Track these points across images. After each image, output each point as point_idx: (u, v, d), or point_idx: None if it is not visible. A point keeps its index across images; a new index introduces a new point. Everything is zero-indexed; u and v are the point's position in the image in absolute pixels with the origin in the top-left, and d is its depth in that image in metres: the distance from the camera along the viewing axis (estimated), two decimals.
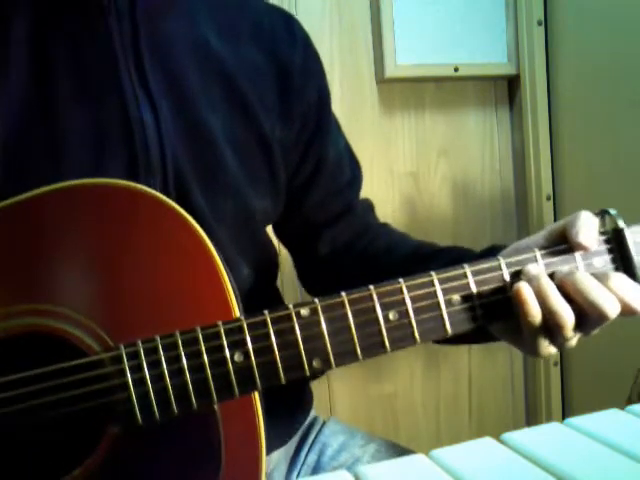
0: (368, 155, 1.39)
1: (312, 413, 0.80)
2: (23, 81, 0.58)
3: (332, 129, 0.78)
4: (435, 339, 0.51)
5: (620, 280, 0.50)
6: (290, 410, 0.75)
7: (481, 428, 1.50)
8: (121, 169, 0.59)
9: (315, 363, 0.49)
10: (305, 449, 0.76)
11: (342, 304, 0.49)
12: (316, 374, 0.75)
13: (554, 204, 1.44)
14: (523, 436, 0.44)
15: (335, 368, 0.50)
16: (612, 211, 0.54)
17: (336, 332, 0.49)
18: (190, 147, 0.63)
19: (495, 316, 0.52)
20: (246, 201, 0.67)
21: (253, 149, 0.68)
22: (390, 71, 1.36)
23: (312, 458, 0.75)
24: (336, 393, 1.40)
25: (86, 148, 0.59)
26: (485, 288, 0.51)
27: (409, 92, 1.43)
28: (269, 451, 0.69)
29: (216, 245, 0.51)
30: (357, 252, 0.78)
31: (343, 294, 0.50)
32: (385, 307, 0.50)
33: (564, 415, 1.48)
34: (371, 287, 0.50)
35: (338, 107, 1.31)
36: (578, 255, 0.53)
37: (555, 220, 1.40)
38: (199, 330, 0.48)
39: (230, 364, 0.48)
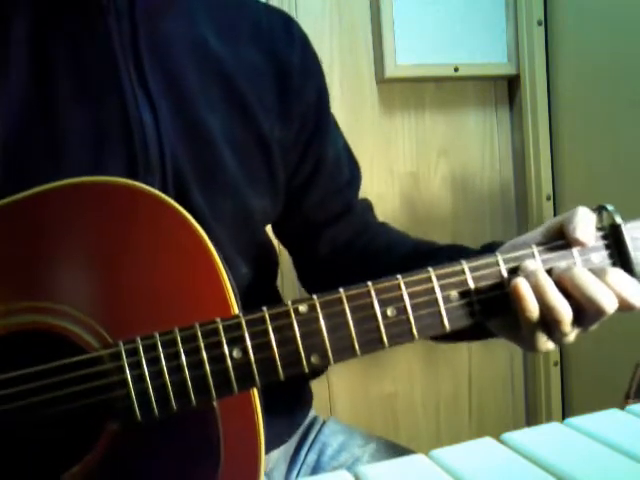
0: (368, 155, 1.39)
1: (312, 413, 0.80)
2: (23, 81, 0.59)
3: (331, 129, 0.78)
4: (433, 335, 0.51)
5: (617, 275, 0.50)
6: (289, 409, 0.75)
7: (481, 428, 1.50)
8: (120, 168, 0.60)
9: (314, 359, 0.49)
10: (305, 448, 0.76)
11: (340, 300, 0.49)
12: (316, 372, 0.76)
13: (554, 204, 1.44)
14: (523, 436, 0.44)
15: (333, 364, 0.50)
16: (609, 207, 0.54)
17: (334, 328, 0.49)
18: (189, 147, 0.63)
19: (493, 312, 0.52)
20: (245, 201, 0.67)
21: (252, 149, 0.68)
22: (390, 71, 1.36)
23: (312, 458, 0.75)
24: (336, 393, 1.40)
25: (86, 148, 0.59)
26: (483, 284, 0.51)
27: (409, 92, 1.43)
28: (268, 450, 0.69)
29: (215, 244, 0.52)
30: (357, 251, 0.78)
31: (341, 290, 0.50)
32: (383, 303, 0.50)
33: (564, 415, 1.47)
34: (369, 283, 0.50)
35: (338, 107, 1.32)
36: (575, 251, 0.53)
37: None
38: (198, 327, 0.48)
39: (229, 360, 0.48)
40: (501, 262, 0.52)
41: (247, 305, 0.52)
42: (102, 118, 0.60)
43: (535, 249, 0.53)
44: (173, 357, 0.48)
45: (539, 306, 0.50)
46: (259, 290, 0.70)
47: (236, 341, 0.48)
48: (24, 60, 0.59)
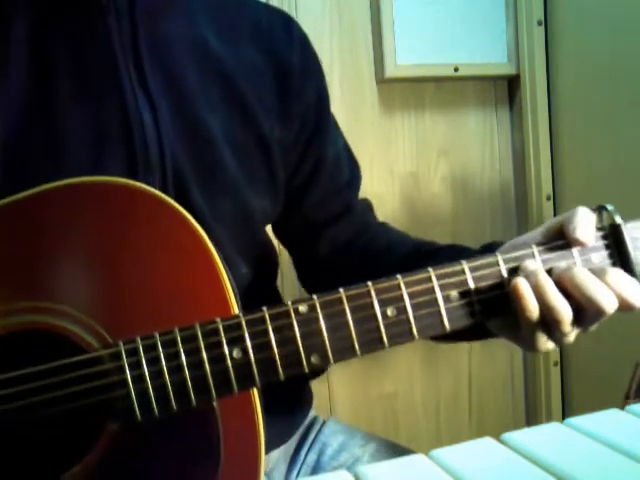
0: (368, 155, 1.39)
1: (312, 413, 0.80)
2: (23, 81, 0.59)
3: (331, 129, 0.78)
4: (433, 335, 0.51)
5: (617, 275, 0.50)
6: (290, 409, 0.75)
7: (481, 428, 1.50)
8: (120, 167, 0.60)
9: (314, 359, 0.49)
10: (305, 448, 0.76)
11: (340, 300, 0.49)
12: (316, 372, 0.76)
13: (554, 204, 1.44)
14: (523, 436, 0.44)
15: (334, 364, 0.50)
16: (609, 207, 0.54)
17: (334, 328, 0.49)
18: (189, 146, 0.63)
19: (493, 312, 0.52)
20: (245, 201, 0.67)
21: (252, 149, 0.68)
22: (390, 71, 1.36)
23: (312, 458, 0.75)
24: (336, 393, 1.40)
25: (86, 148, 0.59)
26: (483, 284, 0.51)
27: (409, 92, 1.43)
28: (268, 450, 0.69)
29: (215, 244, 0.51)
30: (357, 251, 0.78)
31: (341, 290, 0.50)
32: (383, 303, 0.50)
33: (564, 415, 1.47)
34: (369, 283, 0.50)
35: (338, 107, 1.32)
36: (575, 251, 0.53)
37: None
38: (198, 327, 0.48)
39: (229, 360, 0.48)
40: (501, 262, 0.52)
41: (247, 305, 0.52)
42: (102, 118, 0.60)
43: (535, 249, 0.53)
44: (173, 357, 0.48)
45: (539, 306, 0.50)
46: (259, 290, 0.70)
47: (236, 341, 0.48)
48: (24, 60, 0.59)
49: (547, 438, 0.44)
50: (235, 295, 0.51)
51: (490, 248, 0.60)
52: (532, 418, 1.53)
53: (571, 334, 0.52)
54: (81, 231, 0.51)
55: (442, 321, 0.51)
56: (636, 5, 1.20)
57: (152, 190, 0.52)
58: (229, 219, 0.66)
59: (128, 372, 0.48)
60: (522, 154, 1.48)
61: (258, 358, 0.48)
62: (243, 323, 0.48)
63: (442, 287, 0.51)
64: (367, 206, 0.83)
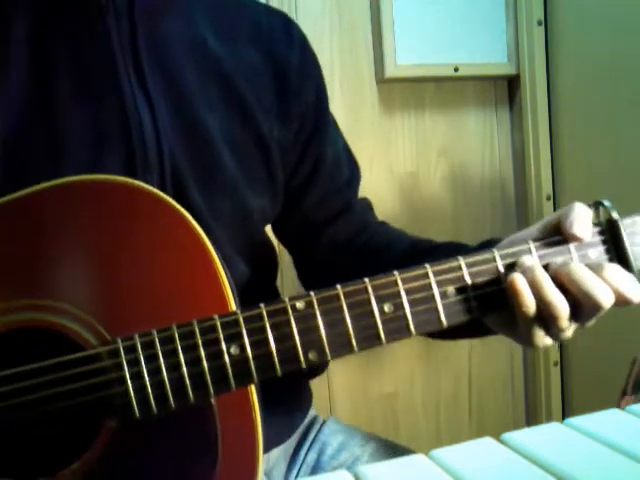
0: (368, 155, 1.39)
1: (312, 412, 0.80)
2: (23, 81, 0.59)
3: (330, 129, 0.78)
4: (430, 331, 0.51)
5: (614, 270, 0.50)
6: (289, 408, 0.75)
7: (481, 428, 1.50)
8: (119, 166, 0.60)
9: (311, 355, 0.49)
10: (305, 448, 0.76)
11: (337, 297, 0.49)
12: (316, 371, 0.76)
13: (554, 204, 1.44)
14: (523, 436, 0.44)
15: (331, 360, 0.50)
16: (606, 202, 0.54)
17: (332, 324, 0.49)
18: (187, 146, 0.63)
19: (490, 308, 0.52)
20: (244, 200, 0.67)
21: (251, 149, 0.68)
22: (390, 71, 1.36)
23: (312, 457, 0.75)
24: (336, 393, 1.40)
25: (86, 148, 0.59)
26: (480, 280, 0.52)
27: (409, 92, 1.43)
28: (268, 449, 0.69)
29: (213, 243, 0.52)
30: (356, 249, 0.78)
31: (338, 287, 0.50)
32: (380, 299, 0.50)
33: (564, 415, 1.47)
34: (366, 280, 0.50)
35: (338, 107, 1.32)
36: (572, 246, 0.53)
37: None
38: (195, 323, 0.48)
39: (226, 357, 0.48)
40: (498, 258, 0.52)
41: (246, 305, 0.52)
42: (102, 118, 0.60)
43: (532, 245, 0.53)
44: (171, 354, 0.48)
45: (536, 301, 0.50)
46: (258, 290, 0.70)
47: (234, 338, 0.48)
48: (24, 60, 0.59)
49: (547, 438, 0.44)
50: (233, 293, 0.51)
51: (488, 245, 0.60)
52: (532, 418, 1.53)
53: (568, 329, 0.52)
54: (80, 229, 0.51)
55: (439, 317, 0.51)
56: (636, 5, 1.20)
57: (151, 188, 0.52)
58: (228, 218, 0.66)
59: (126, 369, 0.48)
60: (522, 154, 1.48)
61: (256, 354, 0.48)
62: (241, 320, 0.49)
63: (439, 283, 0.51)
64: (367, 205, 0.83)
